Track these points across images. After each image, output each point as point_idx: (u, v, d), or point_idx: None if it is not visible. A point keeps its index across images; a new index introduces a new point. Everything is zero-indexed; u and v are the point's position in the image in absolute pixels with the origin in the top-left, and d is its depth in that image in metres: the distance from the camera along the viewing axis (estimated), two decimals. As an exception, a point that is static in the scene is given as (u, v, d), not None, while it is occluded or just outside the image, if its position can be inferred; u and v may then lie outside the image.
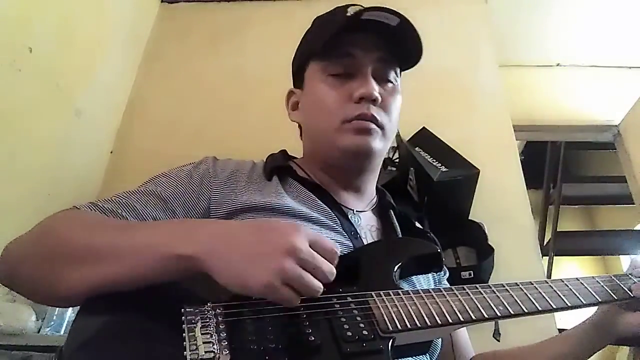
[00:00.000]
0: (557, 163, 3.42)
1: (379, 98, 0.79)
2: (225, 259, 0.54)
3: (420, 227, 0.92)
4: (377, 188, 0.94)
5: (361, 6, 0.83)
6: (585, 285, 0.71)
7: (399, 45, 0.82)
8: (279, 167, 0.85)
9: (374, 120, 0.79)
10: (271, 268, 0.52)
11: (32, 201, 1.45)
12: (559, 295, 0.68)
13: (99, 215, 0.67)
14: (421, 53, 0.84)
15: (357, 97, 0.78)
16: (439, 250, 0.77)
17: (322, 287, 0.54)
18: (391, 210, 0.91)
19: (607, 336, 0.75)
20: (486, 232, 1.62)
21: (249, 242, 0.55)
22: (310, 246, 0.55)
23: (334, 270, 0.56)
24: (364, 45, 0.81)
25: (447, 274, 0.94)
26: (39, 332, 1.30)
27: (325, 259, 0.56)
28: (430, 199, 1.46)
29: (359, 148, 0.79)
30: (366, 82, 0.79)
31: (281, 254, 0.53)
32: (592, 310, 0.77)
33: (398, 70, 0.86)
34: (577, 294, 0.69)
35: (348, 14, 0.81)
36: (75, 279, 0.56)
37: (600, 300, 0.70)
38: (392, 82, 0.84)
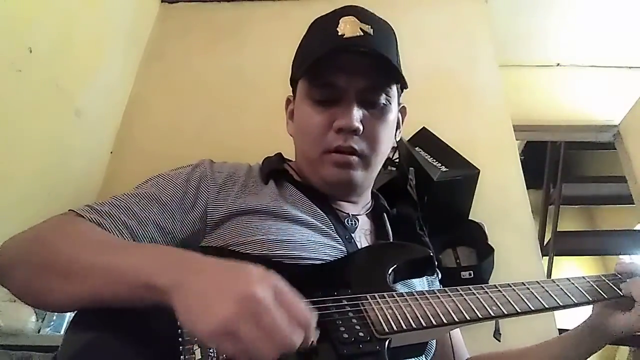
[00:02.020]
0: (557, 163, 3.42)
1: (360, 128, 0.77)
2: (185, 295, 0.48)
3: (414, 231, 0.92)
4: (371, 191, 0.95)
5: (355, 12, 0.82)
6: (576, 285, 0.73)
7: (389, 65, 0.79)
8: (276, 170, 0.85)
9: (353, 152, 0.78)
10: (220, 315, 0.44)
11: (32, 201, 1.45)
12: (551, 295, 0.69)
13: (90, 227, 0.67)
14: (403, 80, 0.82)
15: (336, 128, 0.77)
16: (431, 254, 0.77)
17: (271, 356, 0.44)
18: (385, 214, 0.91)
19: (601, 338, 0.76)
20: (486, 232, 1.62)
21: (209, 281, 0.49)
22: (277, 300, 0.47)
23: (297, 341, 0.46)
24: (351, 68, 0.78)
25: (439, 276, 0.94)
26: (39, 332, 1.31)
27: (295, 321, 0.47)
28: (430, 199, 1.46)
29: (340, 181, 0.80)
30: (348, 111, 0.77)
31: (234, 300, 0.45)
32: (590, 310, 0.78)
33: (390, 90, 0.82)
34: (568, 293, 0.71)
35: (339, 31, 0.79)
36: (59, 291, 0.57)
37: (591, 299, 0.72)
38: (381, 104, 0.81)
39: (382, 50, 0.78)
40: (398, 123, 0.90)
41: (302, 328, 0.47)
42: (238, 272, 0.49)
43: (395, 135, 0.89)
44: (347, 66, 0.78)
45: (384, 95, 0.81)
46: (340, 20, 0.80)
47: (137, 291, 0.52)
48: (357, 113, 0.77)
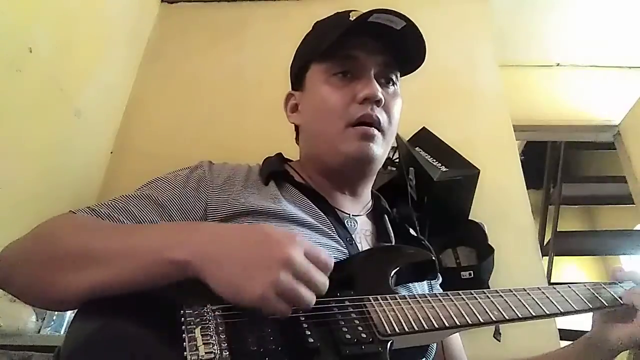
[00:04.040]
0: (557, 163, 3.42)
1: (383, 99, 0.80)
2: (219, 266, 0.53)
3: (414, 234, 0.92)
4: (372, 192, 0.95)
5: (362, 12, 0.83)
6: (577, 292, 0.73)
7: (402, 49, 0.82)
8: (276, 171, 0.85)
9: (376, 123, 0.79)
10: (266, 280, 0.51)
11: (32, 201, 1.45)
12: (552, 302, 0.70)
13: (94, 219, 0.67)
14: (424, 57, 0.84)
15: (361, 98, 0.79)
16: (433, 258, 0.78)
17: (314, 300, 0.54)
18: (385, 216, 0.91)
19: (602, 351, 0.76)
20: (486, 232, 1.62)
21: (244, 250, 0.54)
22: (306, 254, 0.55)
23: (327, 283, 0.55)
24: (367, 48, 0.82)
25: (440, 280, 0.94)
26: (39, 332, 1.30)
27: (319, 269, 0.55)
28: (430, 199, 1.46)
29: (362, 155, 0.80)
30: (370, 83, 0.79)
31: (276, 265, 0.51)
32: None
33: (398, 74, 0.87)
34: (569, 300, 0.71)
35: (351, 19, 0.81)
36: (69, 283, 0.56)
37: (591, 307, 0.72)
38: (393, 85, 0.85)
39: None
40: None
41: (327, 272, 0.56)
42: (267, 238, 0.55)
43: None
44: (366, 44, 0.81)
45: (394, 76, 0.85)
46: (350, 14, 0.83)
47: (158, 268, 0.54)
48: (378, 86, 0.80)
